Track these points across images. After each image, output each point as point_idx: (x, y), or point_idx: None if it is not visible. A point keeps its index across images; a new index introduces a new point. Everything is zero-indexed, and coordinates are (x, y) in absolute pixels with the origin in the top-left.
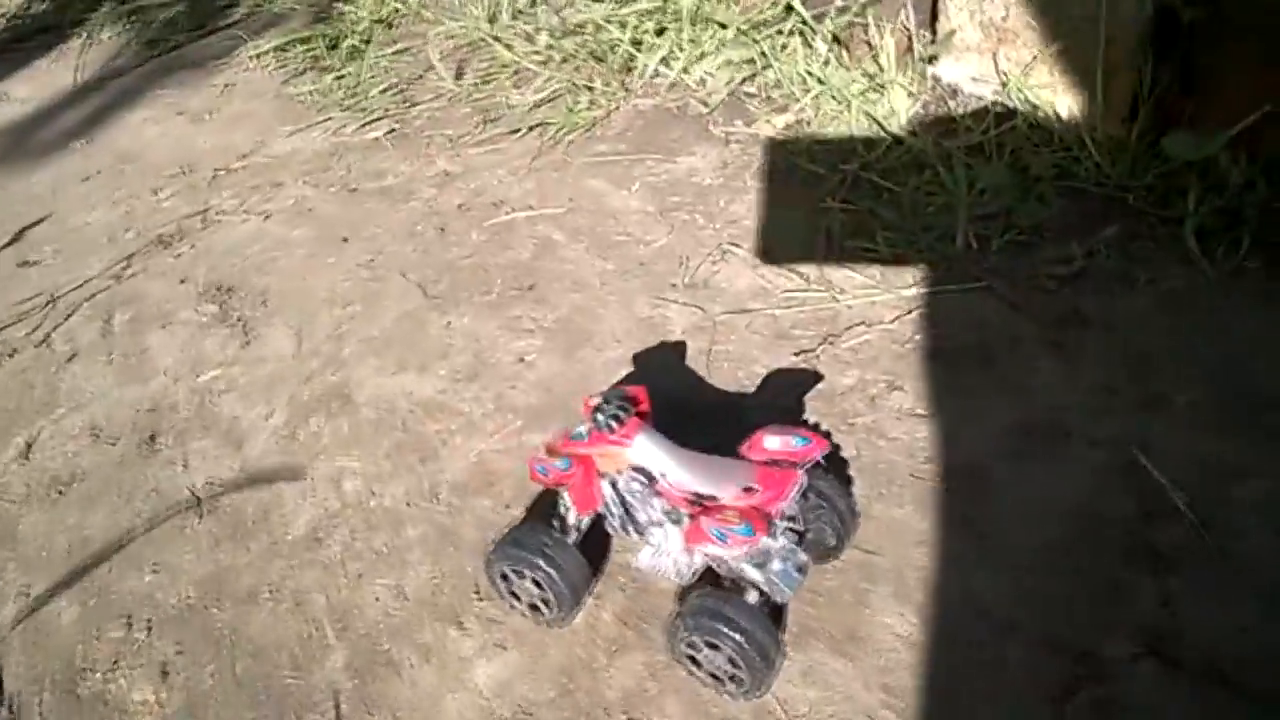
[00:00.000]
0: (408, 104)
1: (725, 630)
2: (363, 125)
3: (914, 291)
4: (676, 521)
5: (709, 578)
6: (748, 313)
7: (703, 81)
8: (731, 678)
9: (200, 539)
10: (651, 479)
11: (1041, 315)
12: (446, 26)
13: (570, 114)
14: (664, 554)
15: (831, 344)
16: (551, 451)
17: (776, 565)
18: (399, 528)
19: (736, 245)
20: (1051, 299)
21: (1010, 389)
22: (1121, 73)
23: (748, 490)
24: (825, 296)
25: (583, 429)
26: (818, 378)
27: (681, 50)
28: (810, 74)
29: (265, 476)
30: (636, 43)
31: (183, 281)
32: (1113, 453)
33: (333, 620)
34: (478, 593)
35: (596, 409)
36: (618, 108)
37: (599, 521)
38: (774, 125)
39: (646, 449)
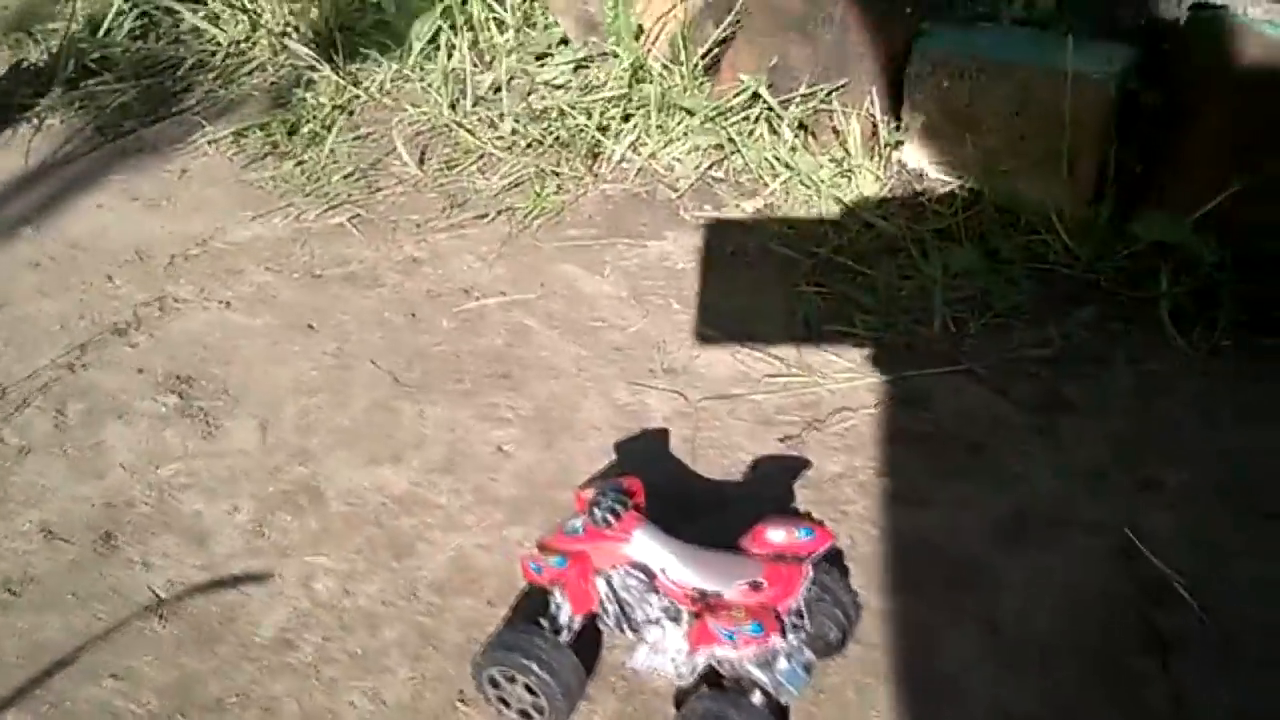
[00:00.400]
0: (371, 190)
1: None
2: (325, 211)
3: (895, 375)
4: (675, 619)
5: (708, 677)
6: (729, 398)
7: (670, 167)
8: None
9: (163, 643)
10: (651, 575)
11: (1025, 400)
12: (409, 113)
13: (538, 198)
14: (661, 652)
15: (817, 429)
16: (545, 548)
17: (783, 664)
18: (375, 629)
19: (713, 330)
20: (1033, 382)
21: (1001, 476)
22: (1087, 156)
23: (754, 586)
24: (807, 381)
25: (577, 523)
26: (805, 464)
27: (649, 136)
28: (778, 159)
29: (231, 576)
30: (603, 129)
31: (140, 371)
32: (1110, 538)
33: None
34: (462, 698)
35: (593, 503)
36: (586, 193)
37: (591, 620)
38: (744, 210)
39: (646, 544)
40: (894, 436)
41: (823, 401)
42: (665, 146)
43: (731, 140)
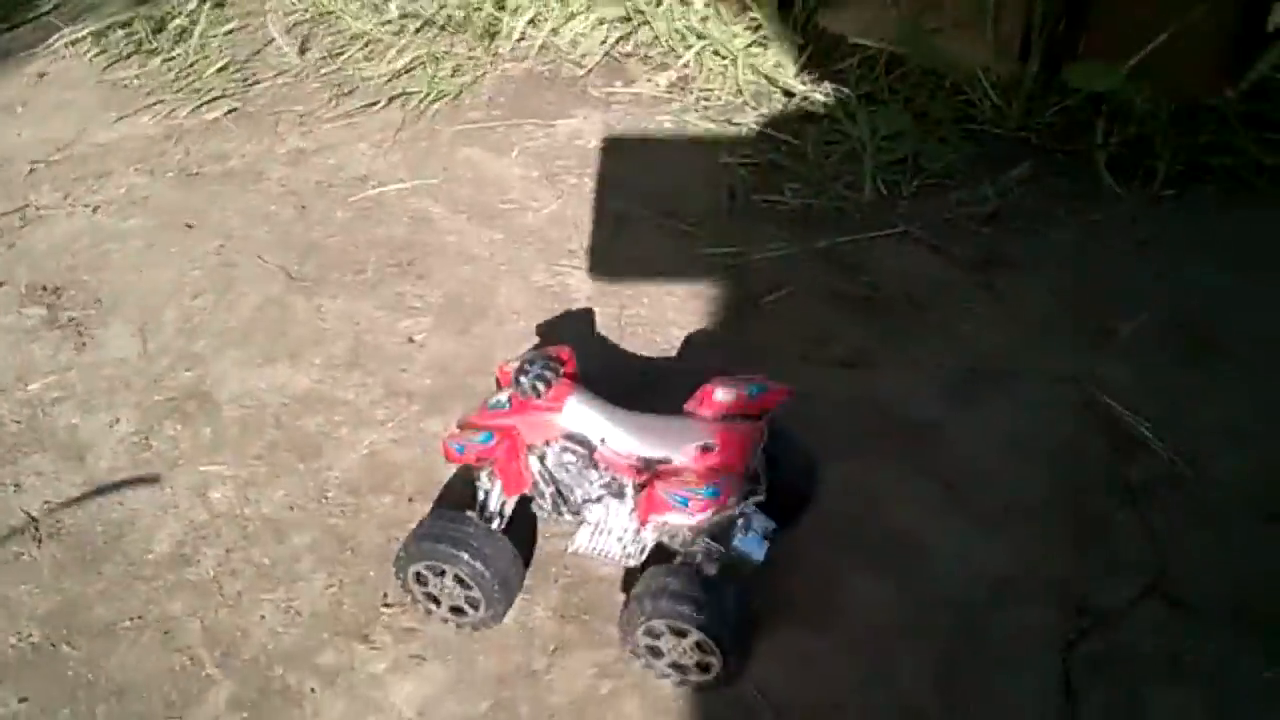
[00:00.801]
0: (248, 83)
1: (692, 611)
2: (198, 106)
3: (829, 242)
4: (619, 494)
5: (658, 556)
6: (656, 276)
7: (575, 43)
8: (700, 665)
9: (42, 568)
10: (590, 447)
11: (966, 258)
12: (285, 1)
13: (434, 83)
14: (605, 532)
15: (753, 303)
16: (468, 427)
17: (741, 533)
18: (282, 537)
19: (634, 206)
20: (973, 241)
21: (947, 335)
22: (1011, 10)
23: (704, 450)
24: (736, 252)
25: (503, 397)
26: (740, 337)
27: (550, 10)
28: (689, 29)
29: (115, 492)
30: (500, 5)
31: (1, 284)
32: (1065, 390)
33: (211, 649)
34: (386, 601)
35: (519, 372)
36: (484, 74)
37: (523, 504)
38: (657, 84)
39: (582, 413)
40: (833, 302)
41: (755, 274)
42: (568, 22)
43: (640, 11)
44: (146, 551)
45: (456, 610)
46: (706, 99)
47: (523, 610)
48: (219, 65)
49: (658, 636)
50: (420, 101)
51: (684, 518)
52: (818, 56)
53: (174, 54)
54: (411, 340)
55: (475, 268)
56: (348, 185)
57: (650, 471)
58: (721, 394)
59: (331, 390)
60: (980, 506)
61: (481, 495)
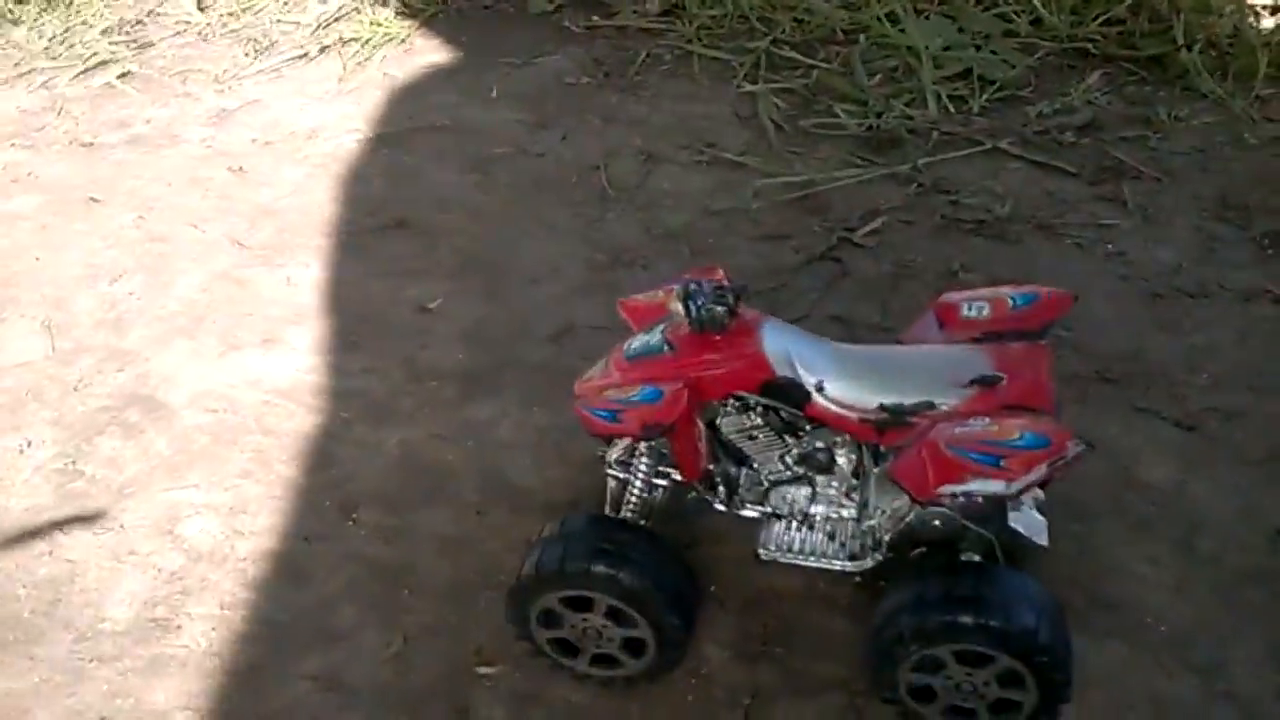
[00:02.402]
0: (139, 45)
1: (1001, 623)
2: (82, 73)
3: (910, 164)
4: (825, 467)
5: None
6: (717, 214)
7: None
8: (1000, 705)
9: None
10: (798, 399)
11: (1080, 172)
12: None
13: (375, 26)
14: (809, 526)
15: (846, 237)
16: (607, 386)
17: (1013, 509)
18: (303, 579)
19: (663, 143)
20: (1078, 153)
21: (1100, 256)
22: None
23: (985, 385)
24: (802, 181)
25: (651, 338)
26: (849, 278)
27: None
28: None
29: (40, 539)
30: None
31: None
32: (1263, 304)
33: None
34: (482, 657)
35: (686, 296)
36: (435, 14)
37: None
38: (647, 13)
39: (788, 347)
40: (945, 229)
41: (834, 204)
42: None
43: None
44: (99, 619)
45: (604, 661)
46: (708, 27)
47: (689, 651)
48: (103, 27)
49: (936, 670)
50: (362, 47)
51: (998, 484)
52: None
53: (41, 21)
54: (425, 309)
55: (483, 221)
56: (293, 141)
57: (899, 425)
58: (971, 309)
59: (329, 379)
60: (1221, 451)
61: (616, 480)
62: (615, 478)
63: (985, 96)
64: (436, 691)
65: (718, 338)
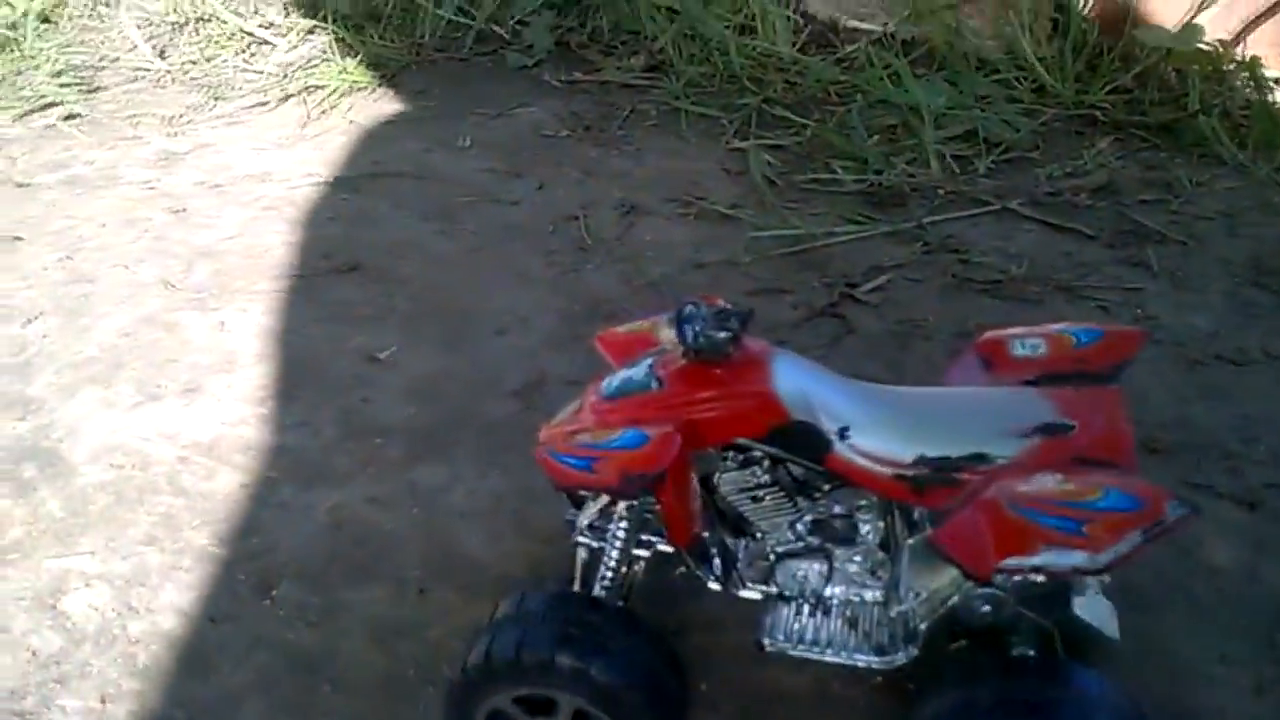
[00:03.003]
0: (91, 89)
1: None
2: (24, 115)
3: (915, 222)
4: (845, 539)
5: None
6: (705, 266)
7: (517, 32)
8: None
9: None
10: (818, 448)
11: (1100, 235)
12: (139, 7)
13: (342, 75)
14: (823, 611)
15: (847, 293)
16: (577, 429)
17: (1079, 594)
18: (201, 670)
19: (647, 195)
20: (1095, 216)
21: (1128, 321)
22: None
23: (1050, 432)
24: (798, 235)
25: (638, 370)
26: (851, 335)
27: None
28: (661, 10)
29: None
30: None
31: None
32: None
33: None
34: None
35: (681, 320)
36: (408, 66)
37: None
38: (632, 68)
39: (803, 383)
40: (955, 289)
41: (833, 260)
42: (506, 5)
43: None
44: None
45: None
46: (694, 84)
47: None
48: (53, 70)
49: None
50: (328, 96)
51: (1080, 556)
52: (816, 38)
53: None
54: (374, 359)
55: (444, 267)
56: (243, 184)
57: (945, 485)
58: (1024, 346)
59: (257, 434)
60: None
61: (587, 549)
62: (586, 547)
63: (991, 158)
64: None
65: (718, 371)
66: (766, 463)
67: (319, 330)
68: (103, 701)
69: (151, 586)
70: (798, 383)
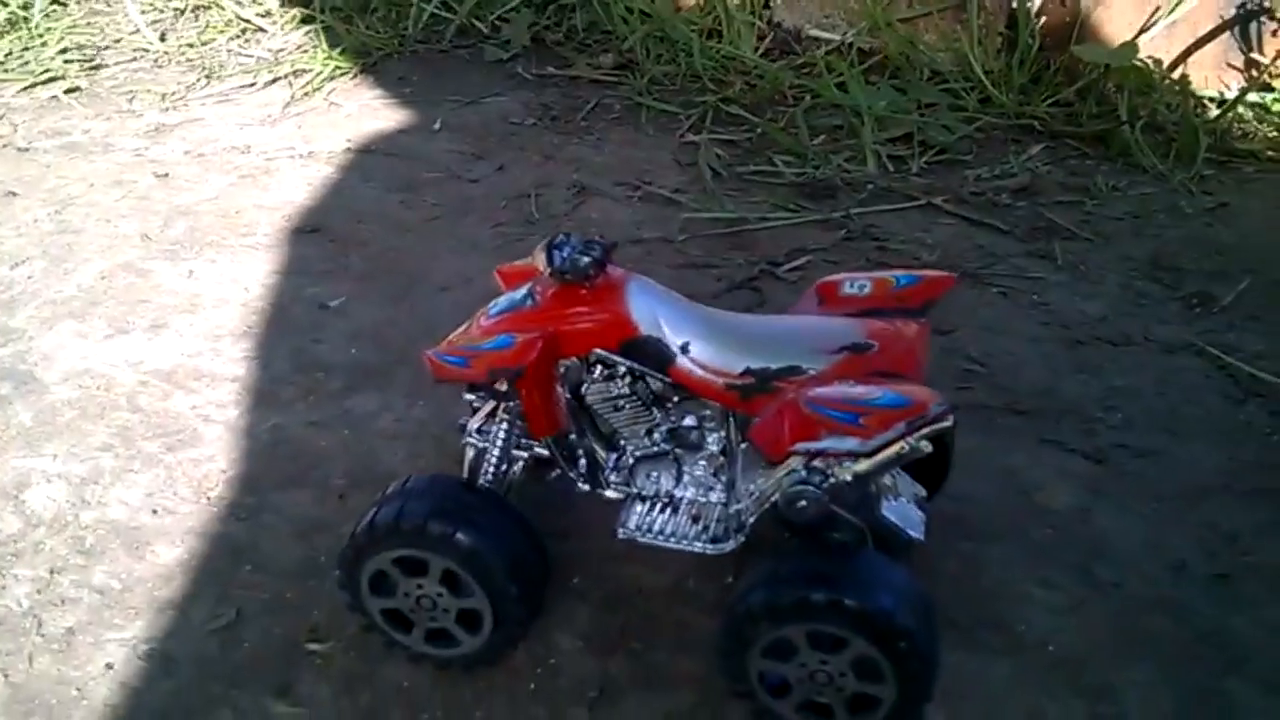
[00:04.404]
0: (94, 66)
1: (858, 603)
2: (29, 86)
3: (843, 212)
4: (695, 444)
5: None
6: (642, 243)
7: (496, 27)
8: (858, 703)
9: None
10: (663, 360)
11: (1014, 230)
12: None
13: (327, 60)
14: (672, 507)
15: (769, 270)
16: (463, 339)
17: (889, 498)
18: (140, 550)
19: (598, 179)
20: (1013, 214)
21: (1027, 305)
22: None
23: (856, 351)
24: (732, 219)
25: (518, 294)
26: (764, 308)
27: None
28: (631, 12)
29: None
30: None
31: None
32: (1185, 356)
33: (22, 715)
34: (315, 634)
35: (551, 246)
36: (391, 55)
37: (535, 468)
38: (601, 65)
39: (653, 305)
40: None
41: (760, 242)
42: (484, 3)
43: None
44: None
45: (440, 637)
46: (658, 82)
47: (537, 640)
48: (59, 48)
49: (788, 656)
50: (312, 80)
51: (853, 441)
52: (779, 44)
53: None
54: (325, 307)
55: (401, 233)
56: (225, 155)
57: (765, 392)
58: (853, 286)
59: (211, 364)
60: (1132, 487)
61: (474, 448)
62: (473, 446)
63: (925, 159)
64: (260, 666)
65: (583, 292)
66: (628, 377)
67: (278, 281)
68: (51, 572)
69: (104, 485)
70: (649, 304)
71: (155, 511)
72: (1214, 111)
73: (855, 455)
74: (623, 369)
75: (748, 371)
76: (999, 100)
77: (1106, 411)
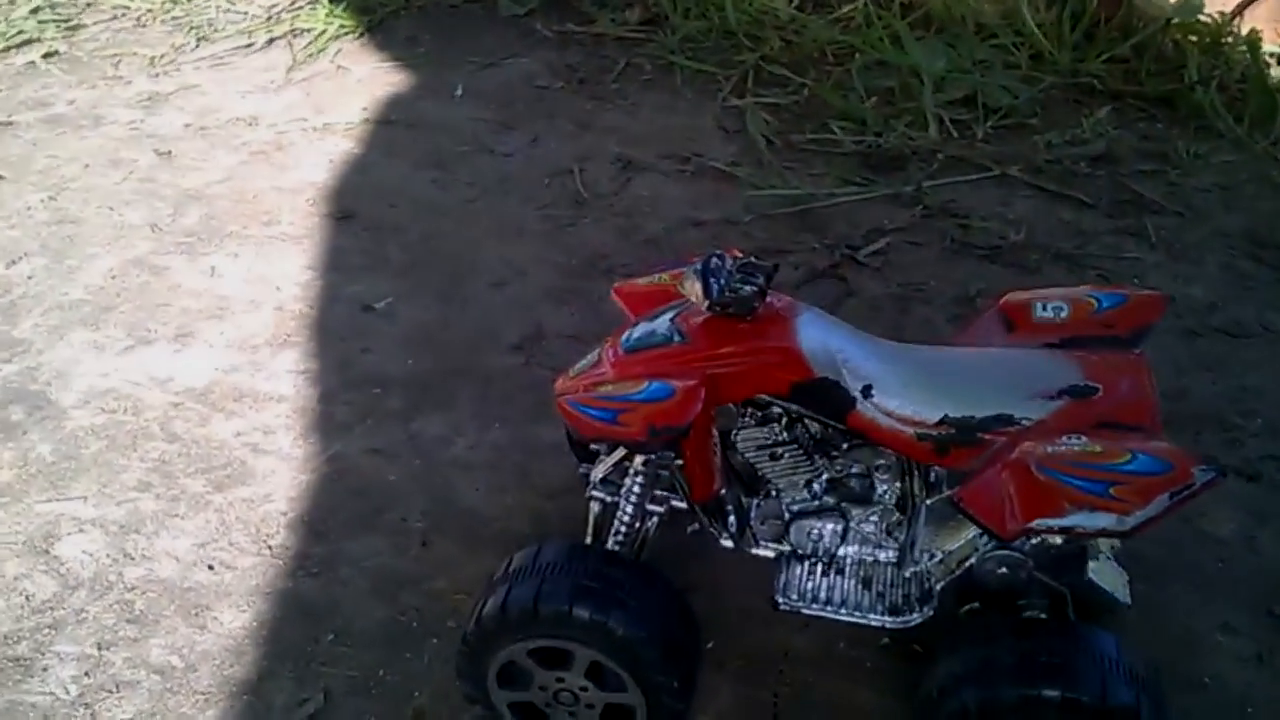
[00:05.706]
0: (71, 26)
1: (1092, 702)
2: (2, 52)
3: (914, 186)
4: (861, 498)
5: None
6: (703, 225)
7: None
8: None
9: None
10: (842, 404)
11: (1099, 204)
12: None
13: (330, 18)
14: (838, 570)
15: (848, 254)
16: (597, 382)
17: (1093, 559)
18: (199, 616)
19: (641, 151)
20: (1094, 184)
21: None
22: None
23: (1075, 395)
24: (799, 195)
25: (659, 324)
26: (854, 297)
27: None
28: None
29: None
30: None
31: None
32: None
33: None
34: None
35: (705, 274)
36: (396, 11)
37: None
38: (626, 21)
39: (828, 339)
40: (957, 254)
41: (832, 221)
42: None
43: None
44: None
45: None
46: (692, 40)
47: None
48: (31, 7)
49: None
50: (315, 40)
51: (1108, 518)
52: (809, 7)
53: None
54: (370, 309)
55: (438, 217)
56: (231, 127)
57: (968, 445)
58: (1046, 309)
59: (251, 381)
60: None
61: (600, 503)
62: (600, 501)
63: (990, 123)
64: None
65: (742, 326)
66: (785, 420)
67: (313, 278)
68: (99, 648)
69: (146, 533)
70: (822, 339)
71: (211, 567)
72: (1276, 70)
73: (1110, 534)
74: (777, 409)
75: (945, 420)
76: (1053, 57)
77: (1244, 417)
